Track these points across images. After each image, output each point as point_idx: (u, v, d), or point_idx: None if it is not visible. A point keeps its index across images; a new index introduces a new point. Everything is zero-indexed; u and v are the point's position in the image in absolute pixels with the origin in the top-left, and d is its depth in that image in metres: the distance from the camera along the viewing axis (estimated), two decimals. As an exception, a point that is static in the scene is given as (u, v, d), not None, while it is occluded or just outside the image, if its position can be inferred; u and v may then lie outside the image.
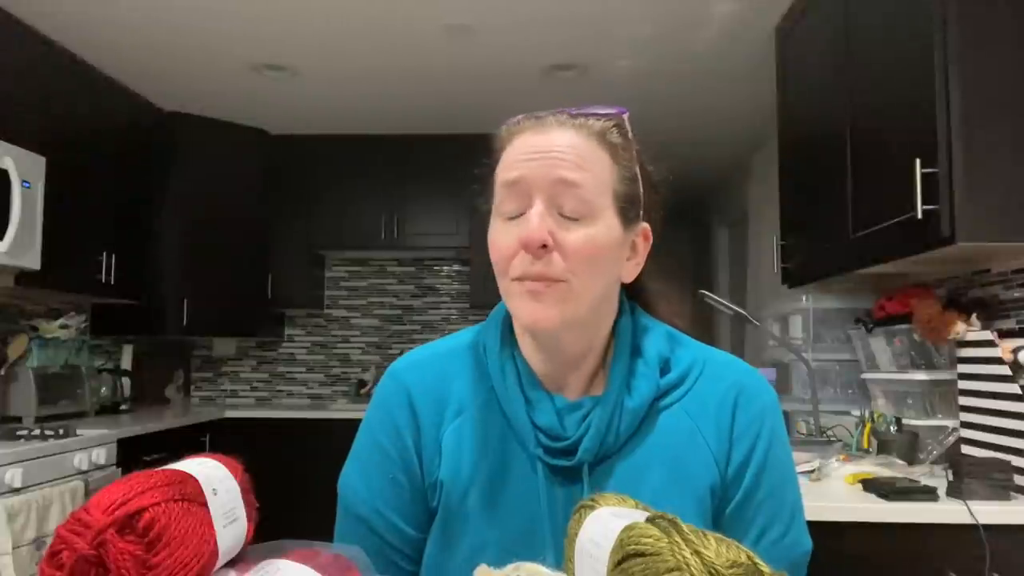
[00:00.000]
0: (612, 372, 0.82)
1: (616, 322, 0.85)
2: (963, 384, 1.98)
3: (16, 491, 2.36)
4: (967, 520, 1.57)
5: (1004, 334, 1.93)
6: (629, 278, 0.84)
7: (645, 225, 0.84)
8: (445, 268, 4.86)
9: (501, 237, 0.79)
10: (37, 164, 2.91)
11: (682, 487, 0.78)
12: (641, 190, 0.82)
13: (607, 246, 0.79)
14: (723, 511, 0.80)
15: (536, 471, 0.79)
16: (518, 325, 0.85)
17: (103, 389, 3.69)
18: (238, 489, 0.63)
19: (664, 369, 0.83)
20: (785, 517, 0.81)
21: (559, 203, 0.77)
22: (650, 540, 0.51)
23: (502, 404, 0.82)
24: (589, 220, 0.77)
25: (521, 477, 0.80)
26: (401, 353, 0.92)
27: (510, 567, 0.62)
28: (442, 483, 0.82)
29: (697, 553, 0.49)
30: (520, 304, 0.78)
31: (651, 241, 0.86)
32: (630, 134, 0.83)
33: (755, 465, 0.80)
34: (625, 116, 0.83)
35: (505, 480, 0.81)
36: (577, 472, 0.78)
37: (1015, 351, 1.80)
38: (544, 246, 0.75)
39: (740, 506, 0.80)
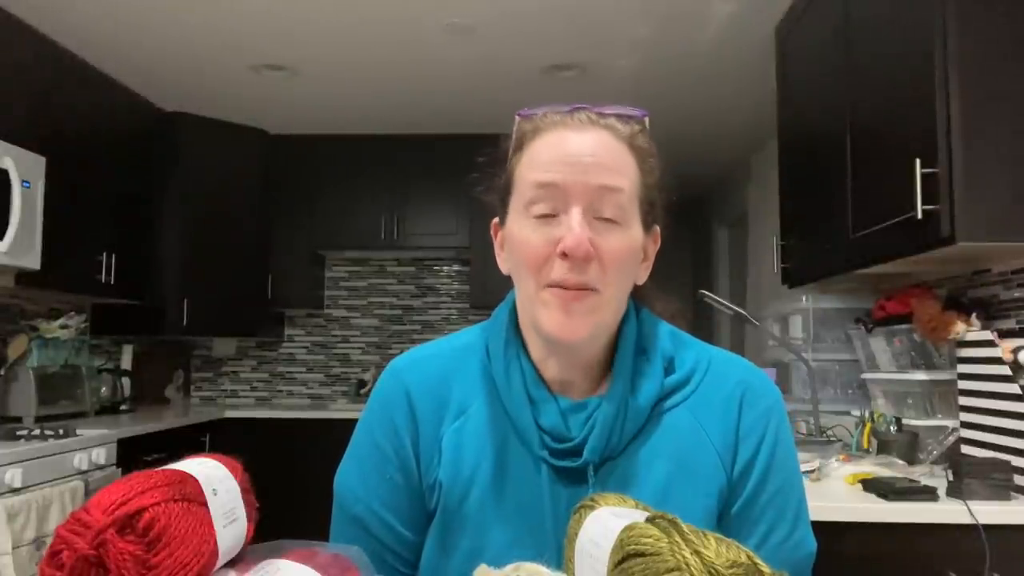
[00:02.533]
0: (616, 372, 0.81)
1: (621, 321, 0.83)
2: (963, 384, 1.98)
3: (16, 491, 2.36)
4: (967, 520, 1.57)
5: (1004, 334, 1.93)
6: (641, 281, 0.84)
7: (656, 227, 0.84)
8: (445, 268, 4.86)
9: (531, 237, 0.77)
10: (37, 164, 2.91)
11: (687, 487, 0.78)
12: (658, 194, 0.82)
13: (634, 252, 0.79)
14: (729, 511, 0.79)
15: (540, 472, 0.78)
16: (531, 329, 0.82)
17: (103, 389, 3.69)
18: (238, 489, 0.63)
19: (668, 369, 0.83)
20: (790, 517, 0.81)
21: (596, 208, 0.75)
22: (650, 540, 0.51)
23: (506, 405, 0.81)
24: (622, 226, 0.77)
25: (523, 478, 0.79)
26: (401, 353, 0.91)
27: (510, 567, 0.62)
28: (441, 484, 0.80)
29: (697, 553, 0.49)
30: (548, 314, 0.76)
31: (659, 244, 0.85)
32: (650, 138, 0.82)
33: (761, 465, 0.80)
34: (646, 119, 0.82)
35: (507, 481, 0.79)
36: (582, 473, 0.77)
37: (1015, 351, 1.80)
38: (586, 256, 0.74)
39: (746, 506, 0.79)
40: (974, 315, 1.98)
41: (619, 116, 0.80)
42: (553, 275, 0.75)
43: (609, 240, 0.75)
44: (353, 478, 0.85)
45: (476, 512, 0.79)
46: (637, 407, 0.79)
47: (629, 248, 0.77)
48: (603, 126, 0.78)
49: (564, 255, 0.74)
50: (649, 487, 0.77)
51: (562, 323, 0.76)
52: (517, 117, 0.83)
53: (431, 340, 0.92)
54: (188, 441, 3.62)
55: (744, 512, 0.79)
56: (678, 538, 0.51)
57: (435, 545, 0.81)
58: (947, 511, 1.61)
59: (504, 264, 0.84)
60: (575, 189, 0.75)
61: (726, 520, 0.79)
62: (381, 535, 0.82)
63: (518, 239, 0.78)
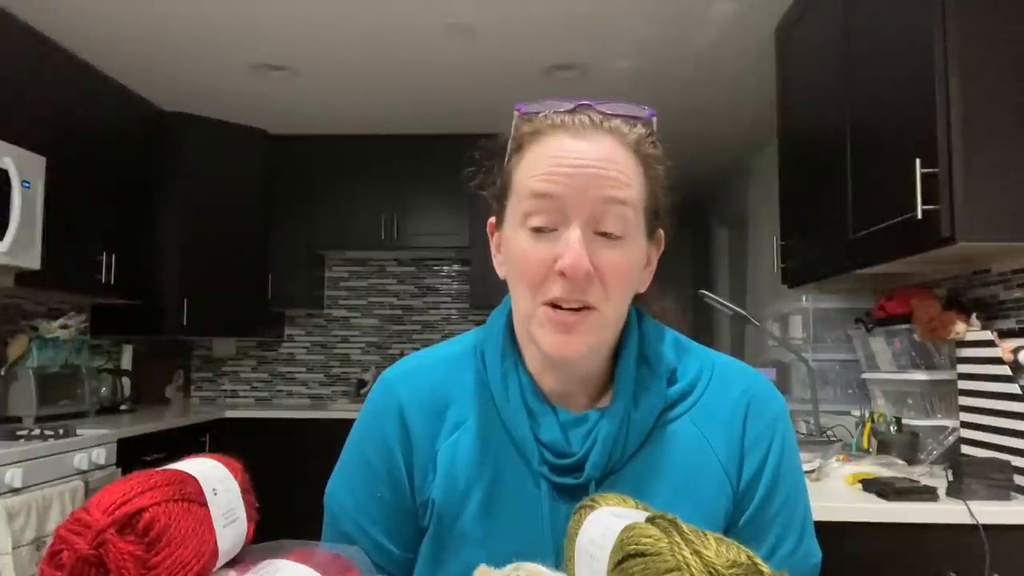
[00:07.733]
0: (618, 383, 0.78)
1: (622, 329, 0.80)
2: (963, 384, 1.97)
3: (16, 491, 2.36)
4: (967, 520, 1.57)
5: (1004, 334, 1.93)
6: (644, 288, 0.80)
7: (660, 232, 0.81)
8: (445, 268, 4.86)
9: (529, 252, 0.73)
10: (37, 164, 2.90)
11: (691, 500, 0.75)
12: (662, 199, 0.78)
13: (638, 265, 0.76)
14: (735, 523, 0.77)
15: (539, 488, 0.75)
16: (528, 340, 0.79)
17: (103, 389, 3.68)
18: (238, 489, 0.63)
19: (671, 379, 0.80)
20: (797, 529, 0.79)
21: (597, 221, 0.71)
22: (650, 540, 0.51)
23: (503, 418, 0.78)
24: (625, 240, 0.73)
25: (521, 494, 0.76)
26: (401, 354, 0.89)
27: (510, 567, 0.62)
28: (435, 501, 0.77)
29: (697, 553, 0.49)
30: (545, 334, 0.73)
31: (662, 247, 0.82)
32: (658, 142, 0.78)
33: (768, 477, 0.77)
34: (654, 120, 0.78)
35: (503, 497, 0.76)
36: (584, 489, 0.74)
37: (1015, 351, 1.80)
38: (586, 276, 0.70)
39: (753, 518, 0.77)
40: (974, 315, 1.98)
41: (625, 118, 0.75)
42: (551, 293, 0.72)
43: (610, 257, 0.72)
44: (342, 494, 0.83)
45: (471, 529, 0.76)
46: (639, 421, 0.76)
47: (632, 263, 0.74)
48: (607, 130, 0.73)
49: (562, 274, 0.70)
50: (651, 501, 0.73)
51: (559, 341, 0.73)
52: (516, 112, 0.78)
53: (431, 341, 0.90)
54: (188, 441, 3.62)
55: (751, 524, 0.77)
56: (678, 538, 0.51)
57: (427, 563, 0.79)
58: (947, 511, 1.60)
59: (500, 268, 0.81)
60: (575, 202, 0.71)
61: (733, 533, 0.77)
62: (371, 553, 0.79)
63: (515, 251, 0.75)
